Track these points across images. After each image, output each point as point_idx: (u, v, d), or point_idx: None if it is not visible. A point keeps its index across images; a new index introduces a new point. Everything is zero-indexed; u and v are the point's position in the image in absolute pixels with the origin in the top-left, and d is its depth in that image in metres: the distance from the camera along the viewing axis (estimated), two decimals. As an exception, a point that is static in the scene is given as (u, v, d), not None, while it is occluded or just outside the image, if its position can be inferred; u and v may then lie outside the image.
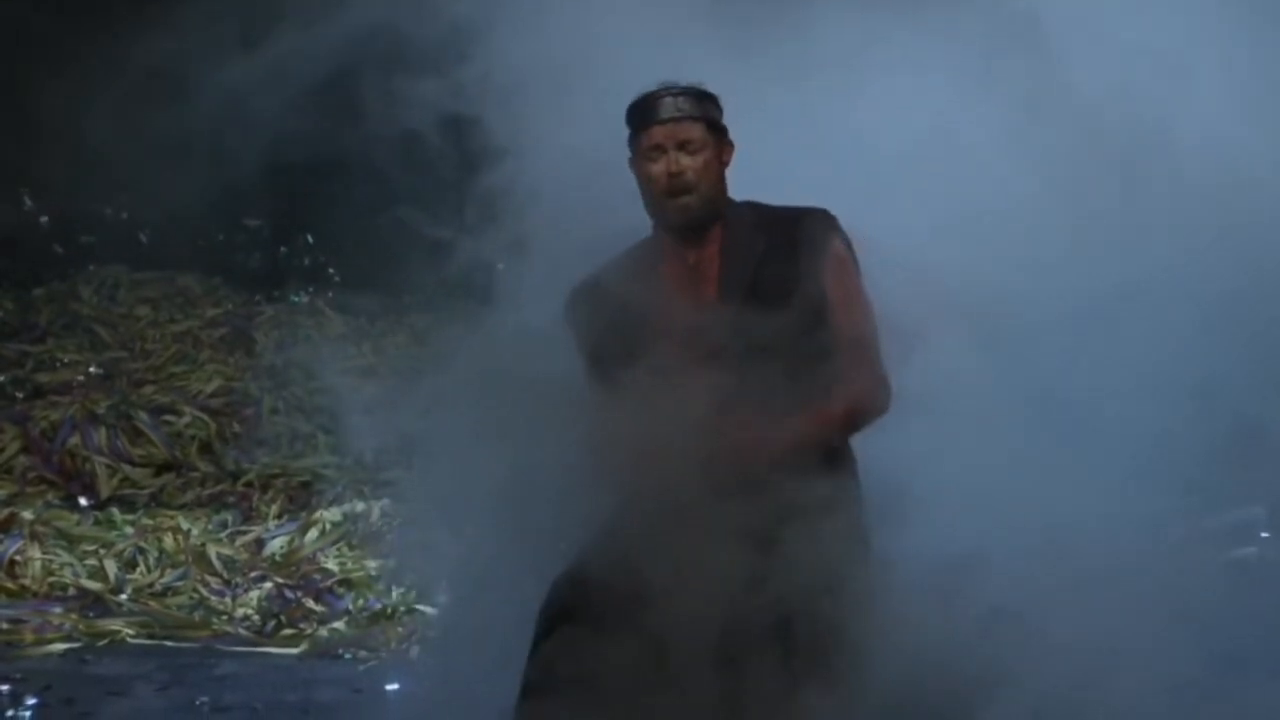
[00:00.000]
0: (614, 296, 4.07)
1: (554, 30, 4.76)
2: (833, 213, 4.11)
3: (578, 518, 4.09)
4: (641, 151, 4.12)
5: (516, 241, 4.50)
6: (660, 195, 4.08)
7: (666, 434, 3.86)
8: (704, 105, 4.13)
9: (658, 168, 4.08)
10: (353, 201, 9.43)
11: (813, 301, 3.99)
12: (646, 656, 3.83)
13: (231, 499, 8.49)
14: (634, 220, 4.26)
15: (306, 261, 10.57)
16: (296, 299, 10.72)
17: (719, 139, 4.14)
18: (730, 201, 4.17)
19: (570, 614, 3.92)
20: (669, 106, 4.09)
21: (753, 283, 4.00)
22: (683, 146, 4.08)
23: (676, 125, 4.09)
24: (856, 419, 4.03)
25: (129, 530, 7.86)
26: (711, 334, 3.97)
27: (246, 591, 7.32)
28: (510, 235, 4.51)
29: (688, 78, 4.14)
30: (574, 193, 4.47)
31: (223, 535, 7.93)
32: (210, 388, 9.39)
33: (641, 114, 4.12)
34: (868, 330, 4.05)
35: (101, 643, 6.84)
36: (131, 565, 7.51)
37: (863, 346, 4.03)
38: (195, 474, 8.71)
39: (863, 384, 4.02)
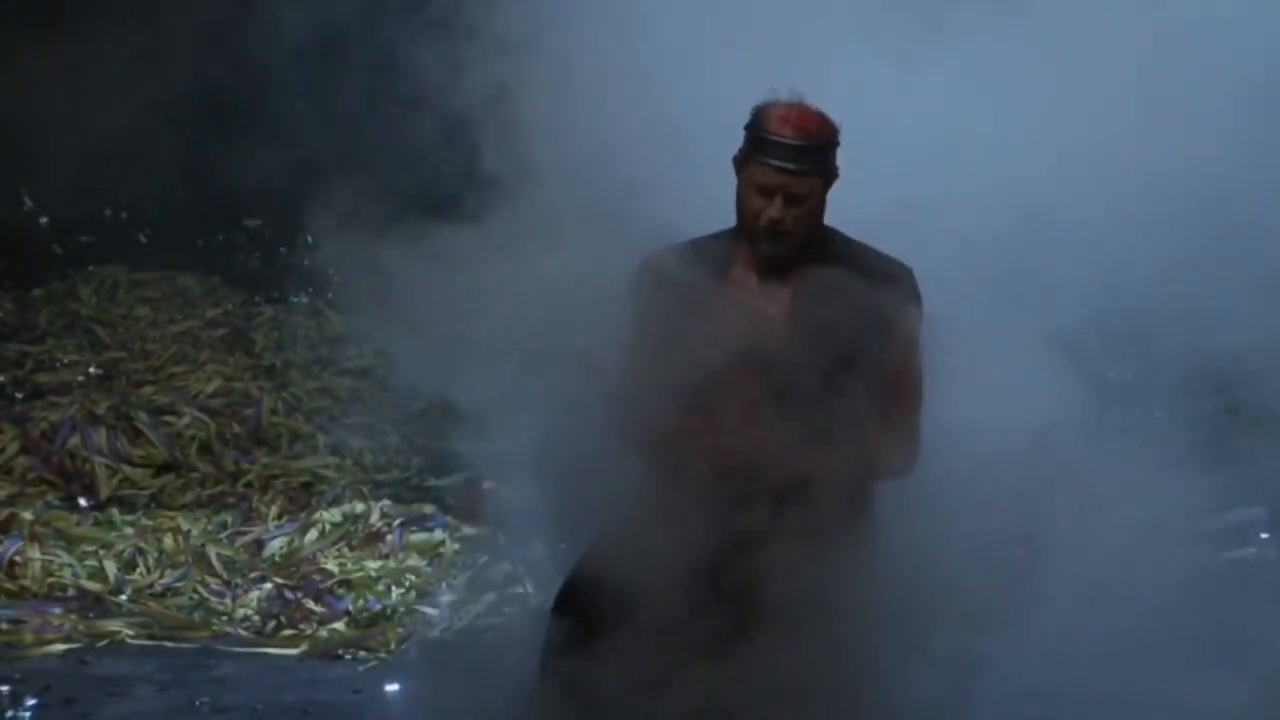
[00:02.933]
0: (682, 282, 4.01)
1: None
2: (915, 274, 4.04)
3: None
4: (751, 176, 3.98)
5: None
6: (754, 231, 3.99)
7: (694, 427, 3.86)
8: (827, 156, 3.99)
9: (760, 204, 3.96)
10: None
11: (869, 373, 3.94)
12: (648, 657, 3.84)
13: (231, 500, 8.47)
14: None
15: (306, 262, 10.54)
16: (296, 299, 10.71)
17: (827, 187, 4.03)
18: (823, 232, 4.06)
19: (581, 611, 3.93)
20: (791, 155, 3.94)
21: (820, 333, 3.92)
22: (791, 200, 3.95)
23: (794, 178, 3.95)
24: (872, 475, 4.00)
25: (129, 531, 7.86)
26: (765, 359, 3.93)
27: (246, 592, 7.31)
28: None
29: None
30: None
31: (222, 536, 7.92)
32: (210, 388, 9.38)
33: (765, 145, 3.97)
34: (912, 410, 4.01)
35: (101, 643, 6.84)
36: (131, 566, 7.51)
37: (902, 422, 3.99)
38: (195, 474, 8.69)
39: (890, 448, 3.99)
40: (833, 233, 4.06)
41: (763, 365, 3.93)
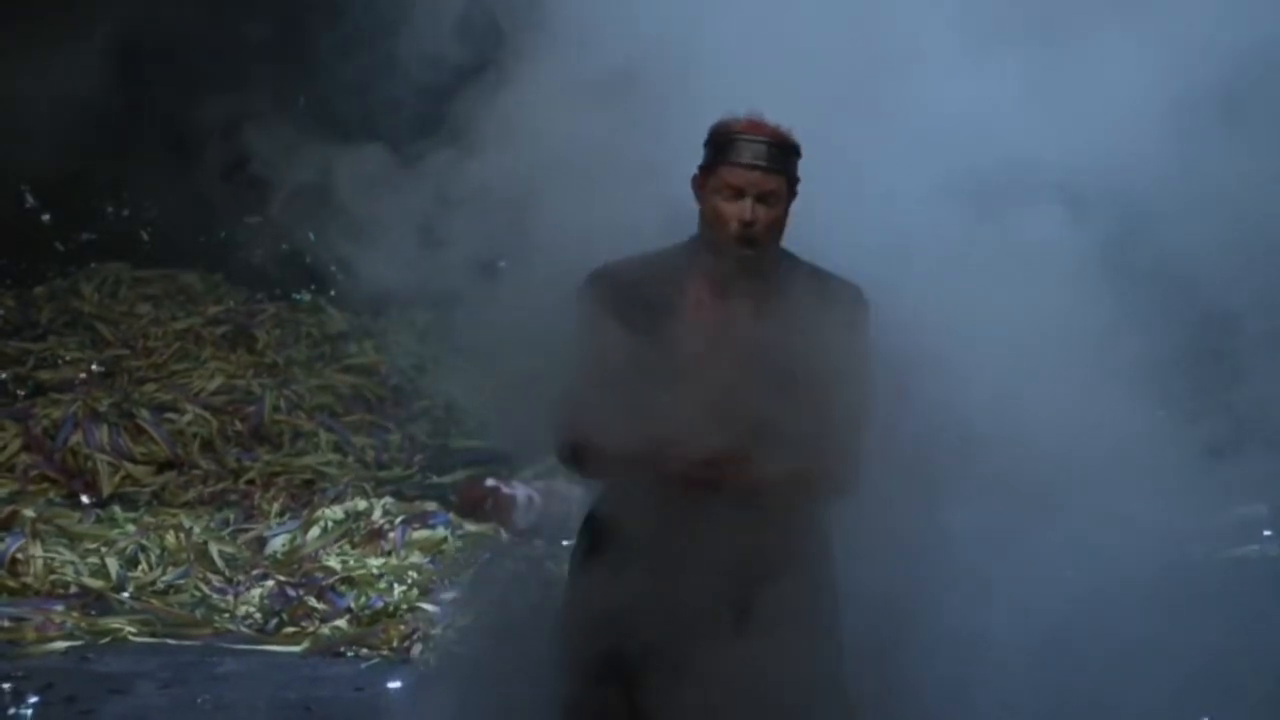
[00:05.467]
0: (633, 291, 4.02)
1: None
2: (864, 290, 4.06)
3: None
4: (718, 184, 3.99)
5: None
6: (728, 238, 4.00)
7: (646, 430, 3.87)
8: (792, 159, 4.03)
9: (732, 209, 3.97)
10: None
11: (819, 381, 3.95)
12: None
13: (233, 497, 8.49)
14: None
15: (309, 259, 10.55)
16: (298, 297, 10.71)
17: (793, 192, 4.06)
18: (778, 251, 4.07)
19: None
20: (760, 154, 3.98)
21: (772, 350, 3.94)
22: (763, 198, 3.97)
23: (764, 175, 3.97)
24: (814, 489, 4.00)
25: (131, 528, 7.86)
26: (719, 374, 3.93)
27: (248, 589, 7.32)
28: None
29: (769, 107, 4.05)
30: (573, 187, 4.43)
31: (224, 533, 7.93)
32: (212, 385, 9.39)
33: (729, 149, 4.00)
34: (855, 429, 4.01)
35: (103, 641, 6.84)
36: (133, 563, 7.52)
37: (855, 432, 4.00)
38: (197, 472, 8.71)
39: (831, 465, 3.99)
40: (785, 252, 4.09)
41: (717, 380, 3.93)
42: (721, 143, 4.03)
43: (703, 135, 4.05)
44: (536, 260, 4.34)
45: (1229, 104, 4.90)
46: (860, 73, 4.49)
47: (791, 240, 4.08)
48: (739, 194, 3.97)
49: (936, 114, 4.55)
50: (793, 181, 4.03)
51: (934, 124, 4.53)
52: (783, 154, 4.01)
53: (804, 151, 4.05)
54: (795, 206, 4.05)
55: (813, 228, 4.11)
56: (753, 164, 3.98)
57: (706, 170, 4.03)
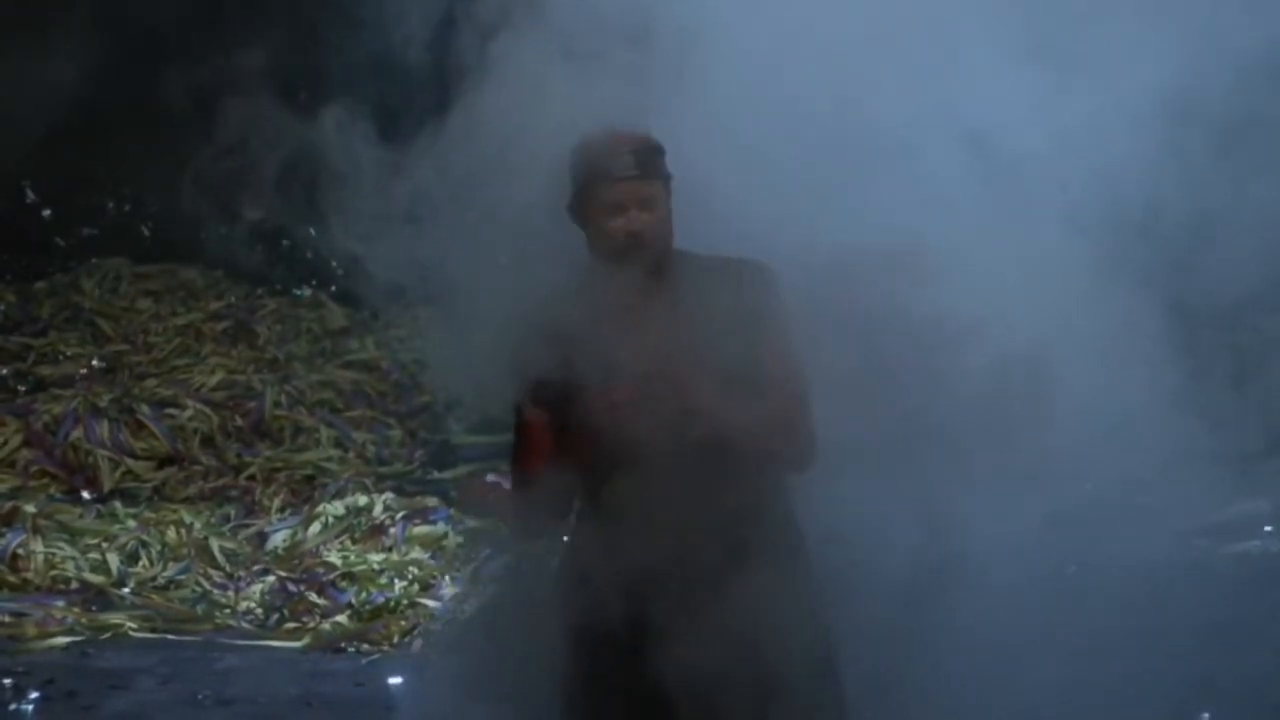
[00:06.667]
0: (555, 323, 4.02)
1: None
2: (771, 267, 4.07)
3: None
4: (597, 205, 3.99)
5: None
6: (617, 252, 4.01)
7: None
8: (660, 160, 4.04)
9: (618, 224, 3.98)
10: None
11: (748, 360, 3.96)
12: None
13: (234, 492, 8.49)
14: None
15: (309, 254, 10.55)
16: (299, 292, 10.72)
17: (668, 189, 4.05)
18: (674, 251, 4.09)
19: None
20: (630, 163, 3.98)
21: (697, 340, 3.95)
22: (644, 205, 3.97)
23: (640, 184, 3.97)
24: (776, 441, 4.01)
25: (131, 524, 7.86)
26: (653, 378, 3.95)
27: (249, 585, 7.32)
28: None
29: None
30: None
31: (225, 529, 7.93)
32: (213, 381, 9.39)
33: (598, 168, 4.00)
34: (799, 389, 4.02)
35: (104, 636, 6.85)
36: (134, 559, 7.52)
37: (794, 401, 4.01)
38: (198, 467, 8.71)
39: (790, 424, 4.00)
40: (682, 251, 4.10)
41: (653, 384, 3.95)
42: (588, 164, 4.03)
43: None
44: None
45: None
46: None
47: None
48: (620, 208, 3.99)
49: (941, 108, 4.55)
50: (666, 180, 4.04)
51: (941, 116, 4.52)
52: (650, 157, 4.01)
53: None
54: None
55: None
56: (625, 174, 3.99)
57: (581, 195, 4.04)
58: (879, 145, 4.38)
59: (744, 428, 3.93)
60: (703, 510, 3.95)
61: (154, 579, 7.37)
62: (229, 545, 7.68)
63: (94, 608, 7.09)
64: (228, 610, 7.14)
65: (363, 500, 7.98)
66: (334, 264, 10.34)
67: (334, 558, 7.44)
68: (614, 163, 4.00)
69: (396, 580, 7.24)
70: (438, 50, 4.84)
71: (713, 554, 3.95)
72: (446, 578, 7.23)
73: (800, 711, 3.96)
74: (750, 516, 3.99)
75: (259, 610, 7.13)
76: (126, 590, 7.24)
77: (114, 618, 6.98)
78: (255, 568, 7.46)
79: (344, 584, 7.24)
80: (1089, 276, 4.63)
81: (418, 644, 6.63)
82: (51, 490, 8.35)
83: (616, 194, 3.98)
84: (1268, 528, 7.42)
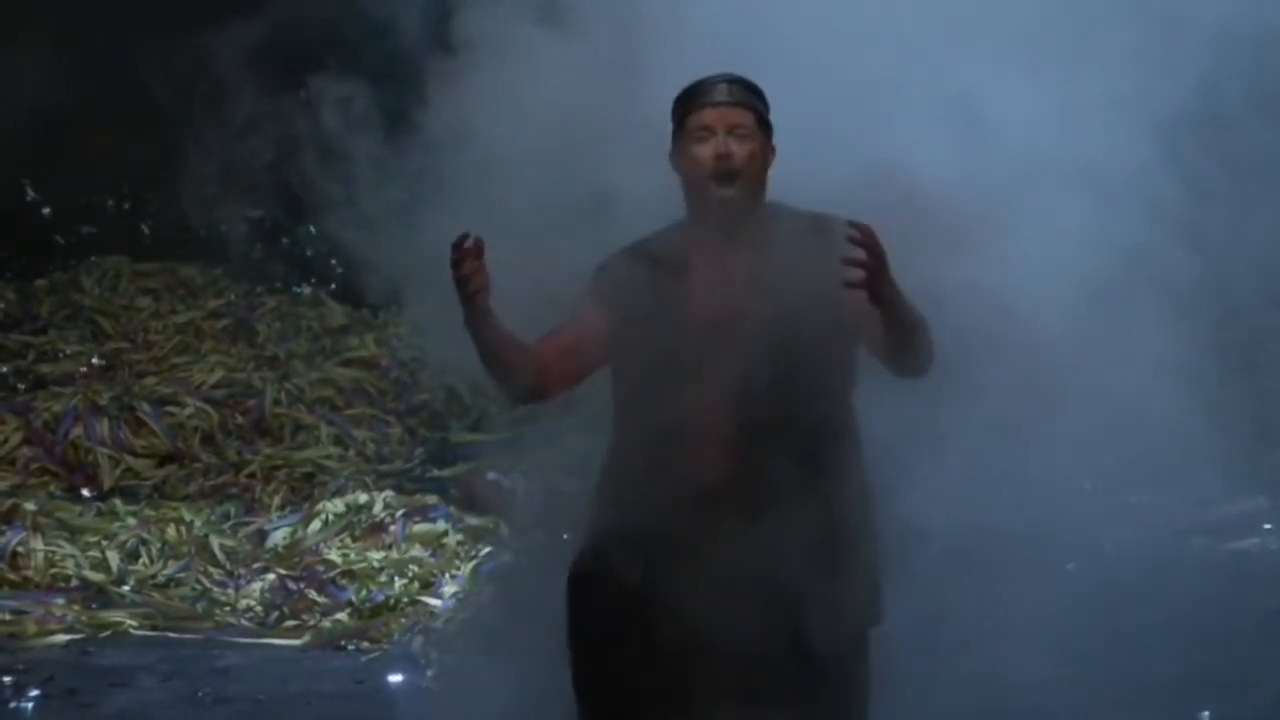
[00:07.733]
0: (640, 280, 4.04)
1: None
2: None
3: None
4: (689, 134, 4.04)
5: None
6: (705, 179, 4.03)
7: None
8: (757, 97, 4.10)
9: (705, 150, 4.01)
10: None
11: (844, 320, 3.98)
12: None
13: (234, 490, 8.49)
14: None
15: (309, 252, 10.55)
16: (299, 290, 10.72)
17: (766, 135, 4.10)
18: (766, 206, 4.13)
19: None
20: (722, 91, 4.05)
21: (790, 290, 3.97)
22: (732, 131, 4.02)
23: (729, 109, 4.03)
24: (928, 353, 4.04)
25: (131, 521, 7.86)
26: (743, 330, 3.96)
27: (249, 583, 7.32)
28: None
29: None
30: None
31: (225, 527, 7.93)
32: (212, 379, 9.38)
33: (692, 97, 4.07)
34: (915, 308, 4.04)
35: (104, 634, 6.85)
36: (134, 556, 7.51)
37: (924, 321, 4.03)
38: (198, 465, 8.71)
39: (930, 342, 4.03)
40: (776, 204, 4.13)
41: (742, 337, 3.96)
42: (683, 98, 4.10)
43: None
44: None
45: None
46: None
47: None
48: (710, 133, 4.01)
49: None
50: (763, 122, 4.07)
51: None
52: (745, 90, 4.08)
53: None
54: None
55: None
56: (717, 100, 4.05)
57: (676, 134, 4.08)
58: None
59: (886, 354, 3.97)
60: (775, 437, 3.95)
61: (154, 577, 7.37)
62: (229, 543, 7.67)
63: (94, 605, 7.09)
64: (228, 608, 7.14)
65: (363, 498, 7.97)
66: (333, 262, 10.36)
67: (334, 555, 7.44)
68: (707, 90, 4.07)
69: (396, 578, 7.24)
70: (441, 42, 4.86)
71: (785, 481, 3.94)
72: (446, 575, 7.23)
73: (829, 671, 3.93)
74: (821, 456, 3.98)
75: (259, 608, 7.13)
76: (126, 588, 7.24)
77: (114, 615, 6.98)
78: (255, 565, 7.46)
79: (344, 582, 7.23)
80: (1089, 276, 4.64)
81: (418, 642, 6.63)
82: (51, 488, 8.34)
83: (706, 118, 4.04)
84: (1267, 525, 7.42)
